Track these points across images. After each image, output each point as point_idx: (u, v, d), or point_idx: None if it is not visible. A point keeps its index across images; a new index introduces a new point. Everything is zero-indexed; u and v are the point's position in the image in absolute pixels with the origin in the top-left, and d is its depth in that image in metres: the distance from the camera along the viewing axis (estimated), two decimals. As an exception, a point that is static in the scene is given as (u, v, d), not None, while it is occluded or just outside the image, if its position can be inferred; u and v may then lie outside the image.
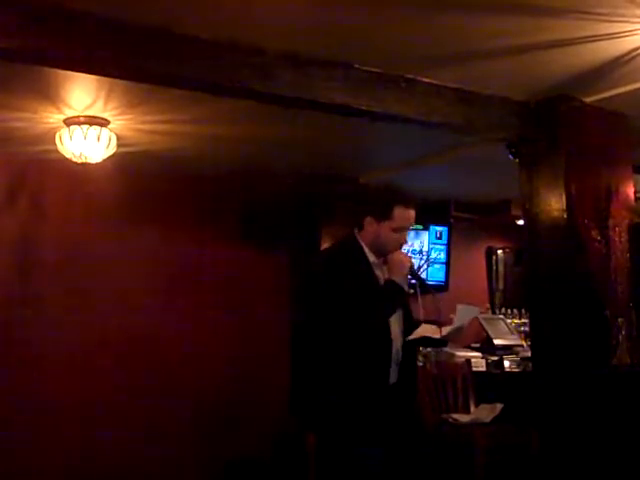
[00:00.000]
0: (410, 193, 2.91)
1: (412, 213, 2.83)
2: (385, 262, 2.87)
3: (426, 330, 2.89)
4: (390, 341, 2.79)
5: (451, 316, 2.95)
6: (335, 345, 2.72)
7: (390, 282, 2.79)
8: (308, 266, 2.98)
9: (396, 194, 2.89)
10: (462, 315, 2.92)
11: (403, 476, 2.88)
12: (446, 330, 2.88)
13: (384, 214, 2.80)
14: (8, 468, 4.27)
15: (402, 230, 2.84)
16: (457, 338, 2.97)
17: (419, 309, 2.90)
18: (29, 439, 4.42)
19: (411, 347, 2.92)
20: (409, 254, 3.02)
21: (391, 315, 2.79)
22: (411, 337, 2.87)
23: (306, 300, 2.88)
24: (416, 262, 5.54)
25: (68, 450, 4.50)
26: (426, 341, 2.95)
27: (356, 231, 2.88)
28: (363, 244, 2.85)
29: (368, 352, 2.72)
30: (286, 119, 3.86)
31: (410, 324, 2.92)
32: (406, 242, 2.92)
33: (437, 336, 2.89)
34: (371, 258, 2.85)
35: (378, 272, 2.85)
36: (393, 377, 2.80)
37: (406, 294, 2.84)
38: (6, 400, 4.37)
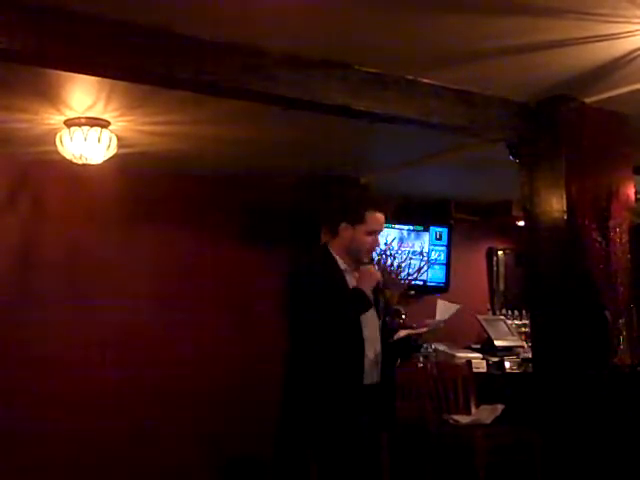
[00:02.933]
0: (380, 197, 3.06)
1: (382, 216, 2.99)
2: (358, 269, 2.97)
3: (401, 334, 3.01)
4: (362, 341, 2.88)
5: (427, 321, 3.05)
6: (311, 347, 2.86)
7: (355, 289, 2.91)
8: (285, 279, 3.11)
9: (367, 199, 3.10)
10: (442, 311, 3.02)
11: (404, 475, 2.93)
12: (425, 329, 3.00)
13: (357, 218, 2.93)
14: (9, 466, 4.27)
15: (375, 233, 2.97)
16: (434, 335, 3.10)
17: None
18: (29, 438, 4.42)
19: (391, 350, 3.02)
20: (382, 260, 3.19)
21: (354, 316, 2.89)
22: (395, 338, 3.01)
23: (287, 309, 3.03)
24: (416, 263, 5.58)
25: (68, 449, 4.50)
26: (405, 343, 3.03)
27: (329, 240, 3.02)
28: (335, 253, 2.97)
29: (341, 351, 2.83)
30: (286, 120, 3.86)
31: (387, 330, 3.04)
32: (379, 244, 3.08)
33: (420, 331, 3.02)
34: (343, 266, 2.97)
35: (350, 279, 2.96)
36: (375, 377, 2.88)
37: (370, 304, 2.93)
38: (6, 399, 4.37)
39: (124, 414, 4.71)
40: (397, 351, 3.08)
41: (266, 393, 4.95)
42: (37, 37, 2.67)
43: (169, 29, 2.87)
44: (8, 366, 4.43)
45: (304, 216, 5.39)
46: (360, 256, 2.97)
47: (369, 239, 2.95)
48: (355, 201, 3.10)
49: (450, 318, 3.05)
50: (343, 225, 2.95)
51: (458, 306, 3.12)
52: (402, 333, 3.04)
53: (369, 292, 2.92)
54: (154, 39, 2.86)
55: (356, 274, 2.97)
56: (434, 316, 3.11)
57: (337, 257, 2.97)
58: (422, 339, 3.12)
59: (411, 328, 3.11)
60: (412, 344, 3.16)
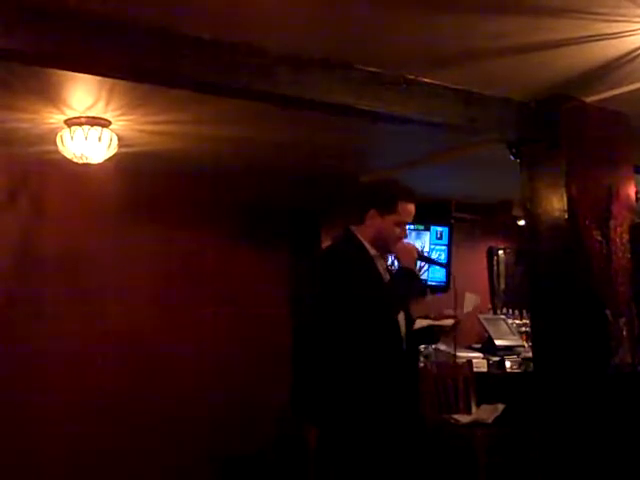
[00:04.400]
0: (411, 187, 2.94)
1: (413, 208, 2.88)
2: (383, 256, 2.89)
3: (422, 323, 2.91)
4: (401, 337, 2.79)
5: (445, 311, 2.97)
6: (345, 342, 2.69)
7: (403, 269, 2.82)
8: (307, 266, 3.00)
9: (400, 188, 2.91)
10: (469, 302, 2.96)
11: (406, 476, 2.87)
12: (444, 322, 2.91)
13: (388, 208, 2.82)
14: (9, 464, 4.28)
15: (403, 224, 2.87)
16: (455, 330, 2.99)
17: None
18: (29, 436, 4.42)
19: (413, 346, 2.94)
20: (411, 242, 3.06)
21: (409, 301, 2.82)
22: (417, 327, 2.88)
23: (307, 301, 2.88)
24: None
25: (68, 447, 4.51)
26: (427, 333, 2.95)
27: (353, 227, 2.88)
28: (362, 238, 2.85)
29: (381, 348, 2.72)
30: (287, 119, 3.86)
31: (410, 321, 2.93)
32: (406, 236, 2.94)
33: (443, 322, 2.90)
34: (371, 251, 2.86)
35: (379, 265, 2.87)
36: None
37: (420, 279, 2.86)
38: (6, 397, 4.38)
39: (124, 413, 4.71)
40: (419, 342, 2.98)
41: (266, 393, 4.98)
42: (37, 37, 2.66)
43: (170, 28, 2.86)
44: (7, 364, 4.43)
45: (304, 216, 5.39)
46: (387, 247, 2.85)
47: (397, 230, 2.82)
48: (388, 189, 2.91)
49: (473, 311, 3.00)
50: (372, 212, 2.82)
51: (479, 298, 3.09)
52: (423, 323, 2.88)
53: (414, 267, 2.83)
54: (154, 39, 2.85)
55: (383, 262, 2.87)
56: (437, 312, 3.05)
57: (365, 244, 2.84)
58: (445, 332, 2.99)
59: (432, 319, 3.00)
60: (435, 337, 3.04)
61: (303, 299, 2.94)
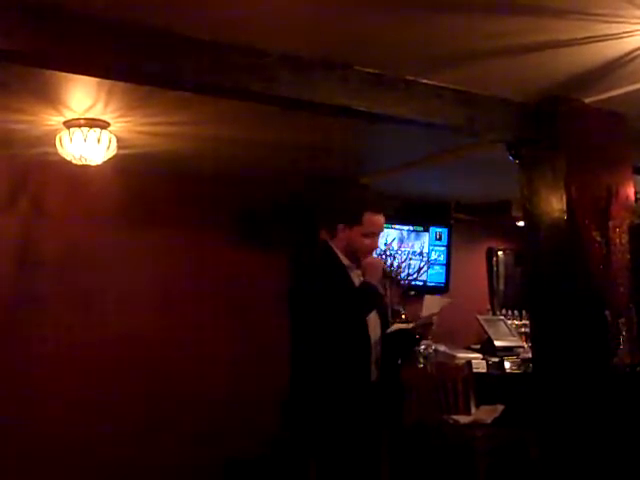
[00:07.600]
0: (379, 199, 3.04)
1: (381, 218, 2.97)
2: (359, 266, 2.94)
3: (398, 327, 3.01)
4: (368, 339, 2.87)
5: (420, 314, 3.04)
6: (318, 347, 2.82)
7: (365, 283, 2.89)
8: (290, 278, 3.11)
9: (365, 200, 3.05)
10: (430, 306, 3.01)
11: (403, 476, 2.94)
12: (414, 323, 3.00)
13: (354, 220, 2.91)
14: (9, 466, 4.27)
15: (372, 235, 2.96)
16: (427, 331, 3.08)
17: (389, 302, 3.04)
18: (28, 437, 4.42)
19: (389, 346, 3.00)
20: (381, 258, 3.17)
21: (368, 313, 2.88)
22: (387, 331, 2.99)
23: (291, 311, 3.01)
24: (416, 263, 5.59)
25: (67, 448, 4.50)
26: (400, 336, 3.01)
27: (329, 239, 3.00)
28: (337, 250, 2.95)
29: (348, 351, 2.81)
30: (286, 120, 3.86)
31: (387, 327, 3.01)
32: (377, 247, 3.06)
33: (409, 326, 3.03)
34: (345, 262, 2.96)
35: (353, 275, 2.96)
36: (374, 375, 2.87)
37: (381, 295, 2.95)
38: (6, 399, 4.37)
39: (124, 413, 4.71)
40: (395, 347, 3.06)
41: (266, 393, 4.97)
42: (37, 38, 2.67)
43: (169, 29, 2.86)
44: (7, 365, 4.43)
45: (304, 216, 5.39)
46: (358, 258, 2.95)
47: (367, 241, 2.93)
48: (352, 202, 3.07)
49: (441, 312, 3.02)
50: (341, 226, 2.94)
51: (447, 300, 3.12)
52: (394, 327, 3.04)
53: (377, 283, 2.90)
54: (154, 39, 2.85)
55: (358, 272, 2.95)
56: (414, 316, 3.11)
57: (339, 254, 2.95)
58: (418, 333, 3.08)
59: (406, 323, 3.11)
60: (411, 339, 3.13)
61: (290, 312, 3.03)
